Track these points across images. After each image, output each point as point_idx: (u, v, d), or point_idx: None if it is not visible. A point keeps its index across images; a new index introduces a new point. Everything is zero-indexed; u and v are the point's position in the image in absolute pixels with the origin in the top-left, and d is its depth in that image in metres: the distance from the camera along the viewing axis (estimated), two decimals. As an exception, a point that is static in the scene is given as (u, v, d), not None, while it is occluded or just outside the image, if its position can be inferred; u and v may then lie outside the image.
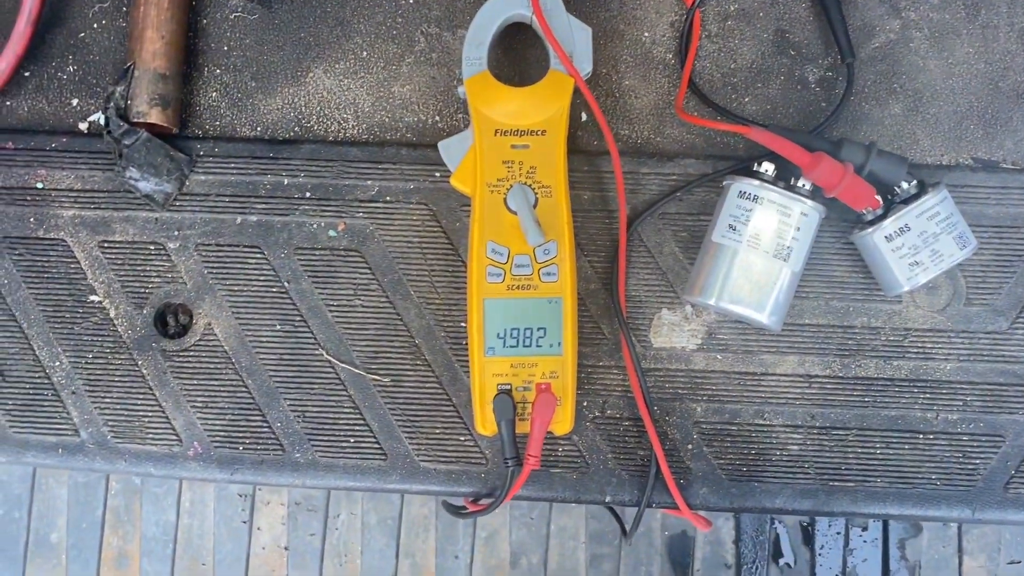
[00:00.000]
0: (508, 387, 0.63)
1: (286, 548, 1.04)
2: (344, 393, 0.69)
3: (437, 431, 0.69)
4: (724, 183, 0.66)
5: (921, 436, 0.68)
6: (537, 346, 0.63)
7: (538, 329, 0.63)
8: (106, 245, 0.71)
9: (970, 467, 0.68)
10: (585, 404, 0.69)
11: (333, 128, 0.72)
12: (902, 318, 0.69)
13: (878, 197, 0.65)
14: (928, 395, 0.68)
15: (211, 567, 1.05)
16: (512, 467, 0.62)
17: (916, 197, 0.64)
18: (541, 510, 1.02)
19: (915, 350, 0.69)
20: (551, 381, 0.63)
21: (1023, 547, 1.08)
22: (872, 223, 0.65)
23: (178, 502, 1.06)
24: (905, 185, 0.65)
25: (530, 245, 0.62)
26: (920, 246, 0.64)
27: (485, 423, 0.63)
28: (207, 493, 1.07)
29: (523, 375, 0.63)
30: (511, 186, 0.64)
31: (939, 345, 0.69)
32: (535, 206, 0.64)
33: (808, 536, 1.11)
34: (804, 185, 0.65)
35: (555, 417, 0.63)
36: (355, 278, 0.70)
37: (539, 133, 0.65)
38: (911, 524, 1.12)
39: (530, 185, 0.64)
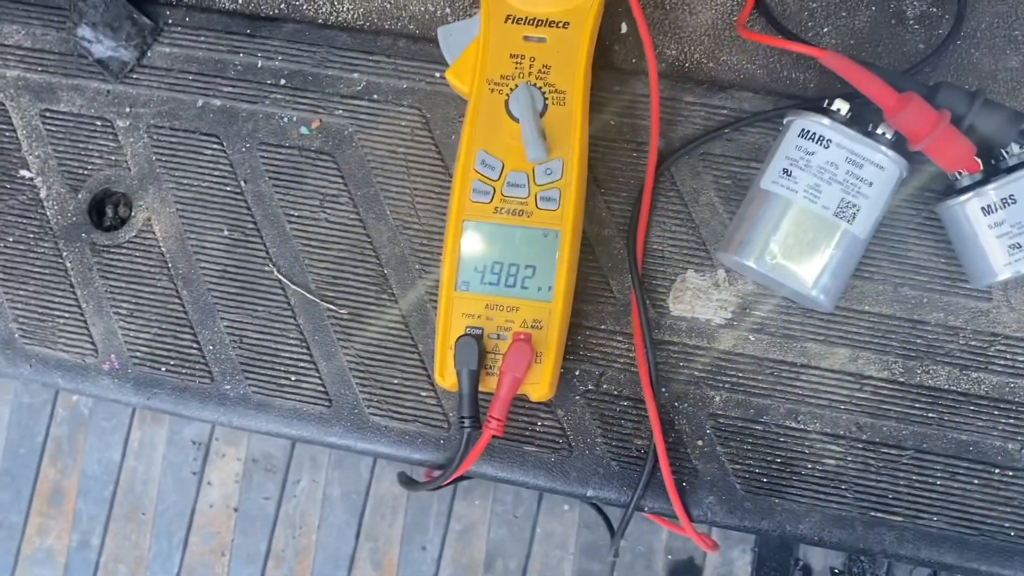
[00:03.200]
0: (479, 331, 0.50)
1: (236, 509, 0.93)
2: (292, 321, 0.57)
3: (395, 381, 0.56)
4: (785, 121, 0.53)
5: (997, 471, 0.53)
6: (522, 287, 0.51)
7: (526, 267, 0.51)
8: (48, 115, 0.60)
9: (1056, 519, 0.53)
10: (577, 373, 0.56)
11: (324, 9, 0.60)
12: (990, 320, 0.54)
13: (978, 159, 0.51)
14: (1013, 421, 0.54)
15: (151, 518, 0.93)
16: (468, 429, 0.49)
17: None
18: (527, 508, 0.88)
19: (1002, 362, 0.54)
20: (533, 331, 0.50)
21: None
22: (966, 190, 0.51)
23: (126, 440, 0.95)
24: (1016, 148, 0.51)
25: (529, 161, 0.50)
26: None
27: (445, 372, 0.51)
28: (158, 435, 0.95)
29: (499, 319, 0.50)
30: (516, 86, 0.51)
31: (1034, 360, 0.54)
32: (542, 114, 0.51)
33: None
34: (884, 133, 0.52)
35: (531, 376, 0.50)
36: (323, 187, 0.58)
37: (560, 25, 0.52)
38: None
39: (540, 87, 0.52)
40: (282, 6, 0.61)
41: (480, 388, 0.50)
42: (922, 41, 0.57)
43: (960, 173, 0.52)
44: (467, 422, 0.49)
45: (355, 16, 0.60)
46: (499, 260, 0.51)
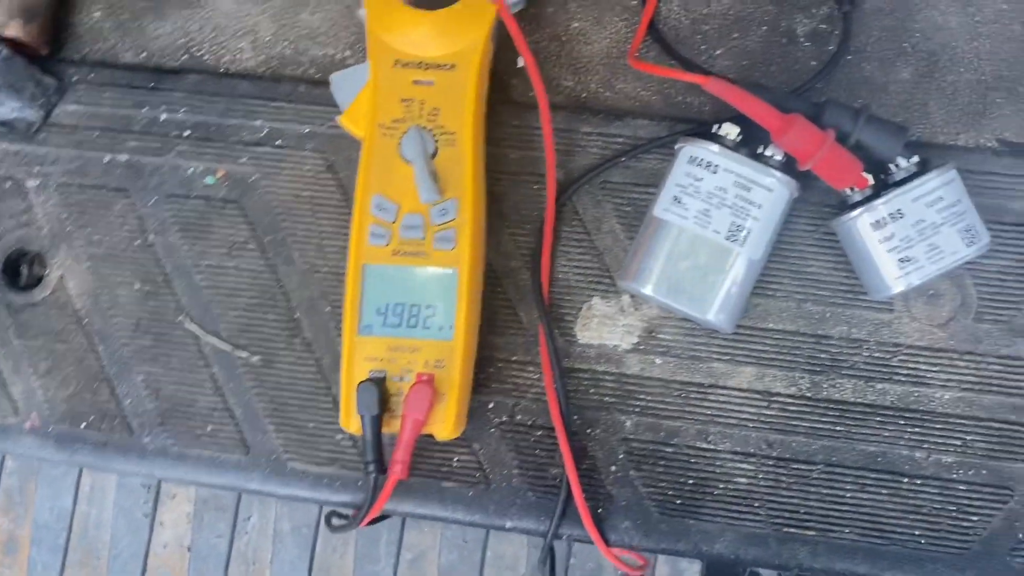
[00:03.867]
0: (382, 374, 0.51)
1: (189, 549, 0.93)
2: (206, 371, 0.58)
3: (311, 425, 0.57)
4: (676, 147, 0.54)
5: (905, 480, 0.54)
6: (424, 327, 0.51)
7: (427, 307, 0.51)
8: (-42, 178, 0.61)
9: (965, 524, 0.54)
10: (491, 406, 0.56)
11: (226, 59, 0.61)
12: (892, 331, 0.55)
13: (867, 175, 0.52)
14: (918, 430, 0.54)
15: (105, 562, 0.94)
16: (373, 474, 0.50)
17: (915, 177, 0.51)
18: (477, 532, 0.89)
19: (906, 372, 0.55)
20: (436, 371, 0.51)
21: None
22: (856, 206, 0.52)
23: (76, 486, 0.95)
24: (903, 162, 0.52)
25: (422, 202, 0.51)
26: (915, 238, 0.51)
27: (350, 418, 0.51)
28: (108, 479, 0.96)
29: (402, 361, 0.51)
30: (407, 129, 0.52)
31: (937, 368, 0.55)
32: (434, 156, 0.52)
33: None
34: (774, 155, 0.52)
35: (435, 417, 0.50)
36: (231, 235, 0.59)
37: (447, 68, 0.53)
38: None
39: (431, 129, 0.52)
40: (184, 57, 0.61)
41: (387, 430, 0.51)
42: (813, 58, 0.58)
43: (851, 189, 0.53)
44: (372, 467, 0.49)
45: (256, 64, 0.61)
46: (400, 302, 0.51)
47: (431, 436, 0.52)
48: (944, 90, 0.57)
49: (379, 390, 0.49)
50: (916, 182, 0.51)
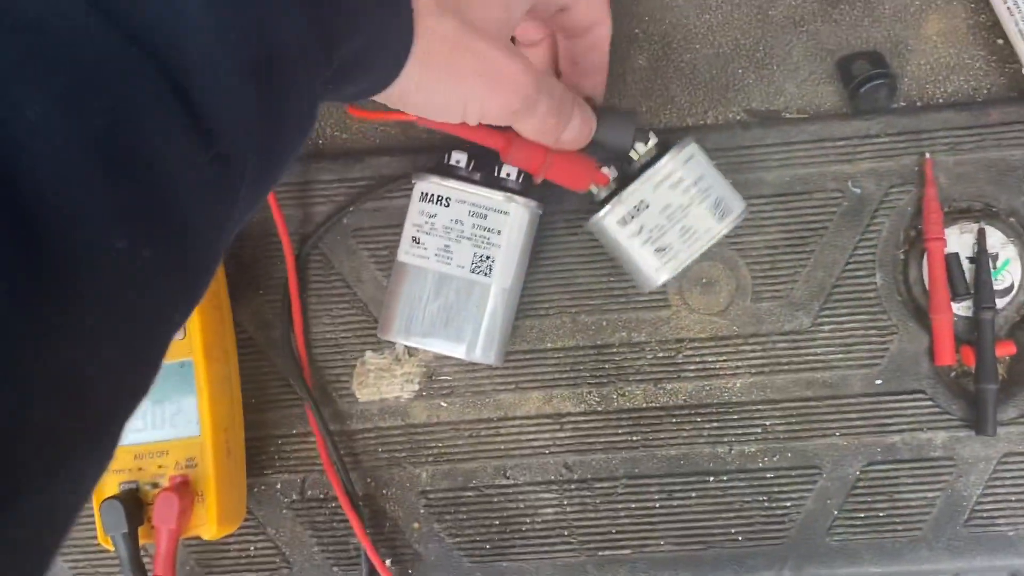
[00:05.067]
0: (134, 485, 0.48)
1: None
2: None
3: (95, 543, 0.53)
4: (412, 183, 0.51)
5: (711, 479, 0.52)
6: (171, 426, 0.48)
7: (168, 404, 0.48)
8: None
9: (779, 512, 0.52)
10: (279, 486, 0.53)
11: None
12: (673, 327, 0.53)
13: (606, 170, 0.49)
14: (716, 424, 0.52)
15: None
16: (135, 594, 0.46)
17: (655, 162, 0.49)
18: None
19: (693, 367, 0.53)
20: (188, 472, 0.48)
21: None
22: (604, 203, 0.49)
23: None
24: (641, 148, 0.49)
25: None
26: (665, 225, 0.48)
27: (106, 535, 0.48)
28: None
29: (151, 467, 0.48)
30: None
31: (724, 357, 0.53)
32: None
33: None
34: (510, 175, 0.50)
35: (195, 519, 0.47)
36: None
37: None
38: None
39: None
40: None
41: (150, 541, 0.48)
42: (548, 61, 0.55)
43: (596, 188, 0.50)
44: (132, 588, 0.46)
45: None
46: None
47: (197, 539, 0.49)
48: (683, 70, 0.55)
49: (128, 505, 0.46)
50: (654, 167, 0.48)
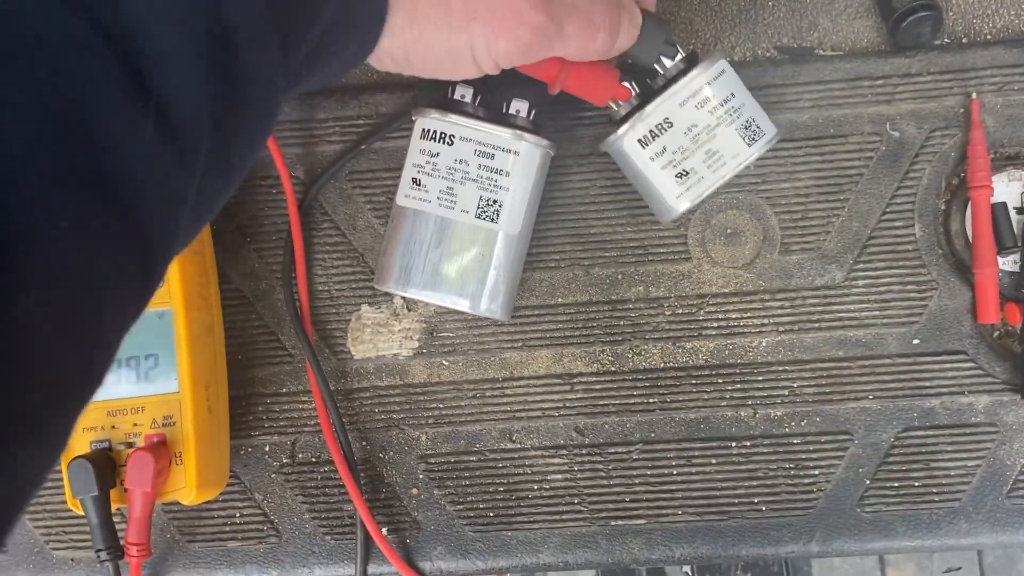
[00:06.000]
0: (106, 444, 0.44)
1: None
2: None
3: (68, 509, 0.50)
4: (413, 119, 0.47)
5: (734, 444, 0.48)
6: (147, 381, 0.44)
7: (146, 357, 0.44)
8: None
9: (807, 481, 0.48)
10: (268, 448, 0.50)
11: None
12: (694, 282, 0.49)
13: (627, 83, 0.44)
14: (739, 386, 0.48)
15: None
16: (108, 561, 0.43)
17: (681, 78, 0.44)
18: None
19: (715, 324, 0.49)
20: (166, 431, 0.44)
21: (960, 552, 0.87)
22: (623, 121, 0.44)
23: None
24: (668, 63, 0.44)
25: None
26: (689, 147, 0.43)
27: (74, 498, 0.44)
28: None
29: (126, 426, 0.44)
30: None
31: (749, 314, 0.49)
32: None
33: None
34: (519, 111, 0.45)
35: (172, 483, 0.44)
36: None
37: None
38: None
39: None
40: None
41: (122, 504, 0.44)
42: (561, -8, 0.51)
43: (616, 104, 0.45)
44: (103, 554, 0.42)
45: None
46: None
47: (176, 503, 0.45)
48: (708, 1, 0.50)
49: (99, 465, 0.42)
50: (680, 83, 0.43)
